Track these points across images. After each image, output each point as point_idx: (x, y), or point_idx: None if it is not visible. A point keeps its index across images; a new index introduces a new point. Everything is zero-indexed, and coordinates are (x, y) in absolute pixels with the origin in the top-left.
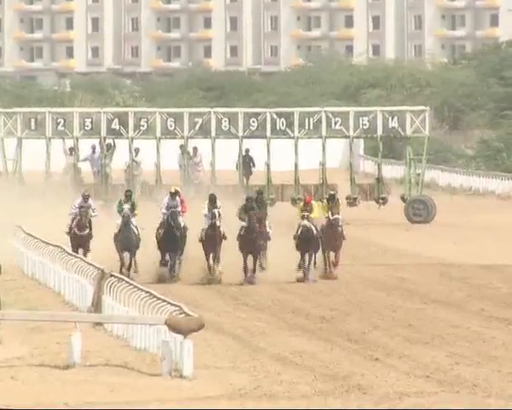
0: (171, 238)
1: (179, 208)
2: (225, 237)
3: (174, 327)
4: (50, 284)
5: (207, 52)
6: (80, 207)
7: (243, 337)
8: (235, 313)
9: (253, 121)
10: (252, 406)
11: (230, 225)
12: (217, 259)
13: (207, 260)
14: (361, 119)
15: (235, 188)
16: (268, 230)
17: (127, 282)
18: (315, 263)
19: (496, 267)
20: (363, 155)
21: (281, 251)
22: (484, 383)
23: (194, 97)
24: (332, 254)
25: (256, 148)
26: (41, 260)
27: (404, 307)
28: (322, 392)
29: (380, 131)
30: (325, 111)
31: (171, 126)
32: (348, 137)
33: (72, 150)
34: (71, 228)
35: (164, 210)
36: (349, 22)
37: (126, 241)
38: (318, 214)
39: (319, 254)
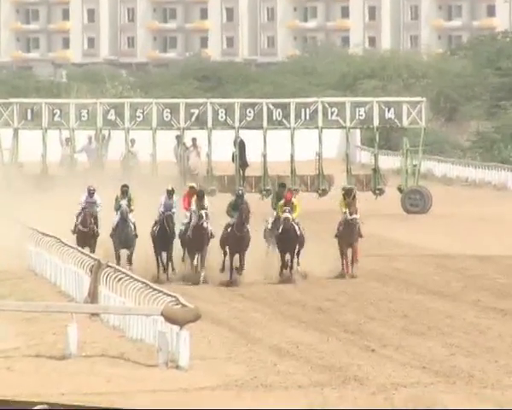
0: (164, 241)
1: (175, 209)
2: (213, 236)
3: (170, 318)
4: (47, 275)
5: (204, 43)
6: (86, 204)
7: (239, 328)
8: (232, 304)
9: (250, 112)
10: (248, 396)
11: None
12: (202, 262)
13: (191, 259)
14: (357, 109)
15: (232, 179)
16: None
17: (123, 272)
18: (298, 263)
19: (492, 258)
20: (359, 145)
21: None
22: (480, 373)
23: (190, 88)
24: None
25: (252, 138)
26: (37, 250)
27: (401, 297)
28: (319, 383)
29: (376, 122)
30: (321, 102)
31: (167, 117)
32: (345, 127)
33: (69, 141)
34: (76, 226)
35: (162, 209)
36: (345, 13)
37: (124, 237)
38: (300, 212)
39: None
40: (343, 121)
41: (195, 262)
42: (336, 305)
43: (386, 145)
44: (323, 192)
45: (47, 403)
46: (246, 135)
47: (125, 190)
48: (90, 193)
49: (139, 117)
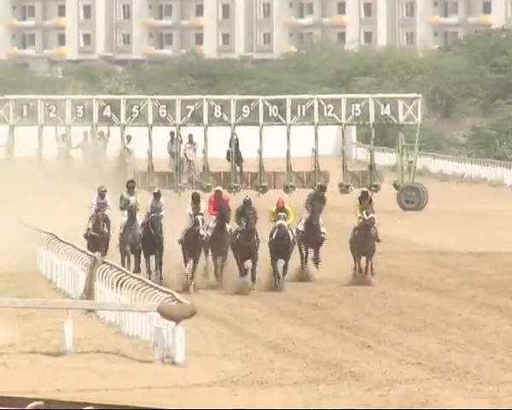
0: (149, 244)
1: (162, 212)
2: (204, 245)
3: (166, 314)
4: (42, 271)
5: (199, 40)
6: (98, 207)
7: (235, 324)
8: (227, 300)
9: (246, 108)
10: (244, 392)
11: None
12: (194, 268)
13: (185, 264)
14: (353, 106)
15: (228, 175)
16: (323, 230)
17: (119, 269)
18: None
19: (488, 254)
20: (355, 142)
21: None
22: (475, 370)
23: (186, 85)
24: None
25: (248, 135)
26: (33, 247)
27: (396, 294)
28: (315, 379)
29: (372, 119)
30: (317, 98)
31: (163, 114)
32: (340, 124)
33: (64, 137)
34: (88, 230)
35: (148, 210)
36: (341, 9)
37: (133, 239)
38: (295, 219)
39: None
40: (339, 118)
41: (189, 267)
42: (332, 301)
43: (381, 141)
44: None
45: (43, 399)
46: (242, 131)
47: (131, 186)
48: (101, 194)
49: (135, 113)
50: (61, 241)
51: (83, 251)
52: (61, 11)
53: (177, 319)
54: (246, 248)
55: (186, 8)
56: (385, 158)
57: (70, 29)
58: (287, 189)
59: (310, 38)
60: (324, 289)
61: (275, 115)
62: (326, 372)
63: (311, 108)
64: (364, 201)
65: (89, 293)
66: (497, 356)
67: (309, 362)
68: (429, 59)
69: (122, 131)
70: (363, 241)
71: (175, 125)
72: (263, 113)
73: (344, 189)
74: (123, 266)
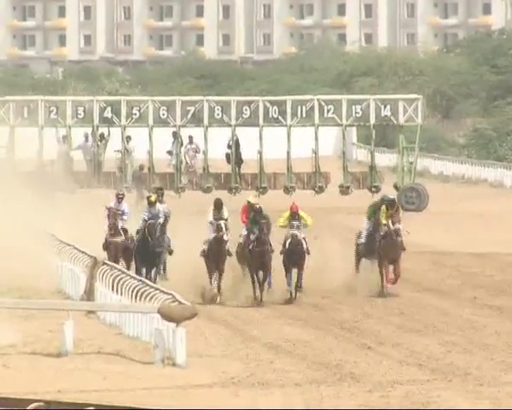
0: (145, 252)
1: (161, 220)
2: (230, 254)
3: (167, 315)
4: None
5: (199, 41)
6: (110, 208)
7: (236, 326)
8: (228, 302)
9: (246, 109)
10: (245, 393)
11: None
12: (219, 281)
13: (210, 277)
14: (354, 107)
15: (228, 176)
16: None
17: (120, 270)
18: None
19: (488, 255)
20: (355, 143)
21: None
22: (476, 371)
23: (186, 86)
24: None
25: (249, 136)
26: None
27: (397, 295)
28: (315, 380)
29: (372, 120)
30: (318, 99)
31: (163, 115)
32: (341, 125)
33: (65, 138)
34: (106, 239)
35: (145, 217)
36: (341, 10)
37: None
38: (311, 223)
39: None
40: (339, 119)
41: (213, 281)
42: (332, 302)
43: (382, 143)
44: (320, 189)
45: (43, 400)
46: (242, 132)
47: (160, 194)
48: (119, 199)
49: (135, 114)
50: (62, 242)
51: (83, 252)
52: (62, 12)
53: (177, 321)
54: (259, 257)
55: (186, 9)
56: (385, 159)
57: (70, 30)
58: (287, 190)
59: (310, 38)
60: (325, 291)
61: (275, 116)
62: (326, 373)
63: (312, 109)
64: (391, 209)
65: (89, 294)
66: (498, 357)
67: (309, 363)
68: (430, 60)
69: (123, 132)
70: (391, 249)
71: (175, 126)
72: (263, 114)
73: (344, 190)
74: (138, 275)
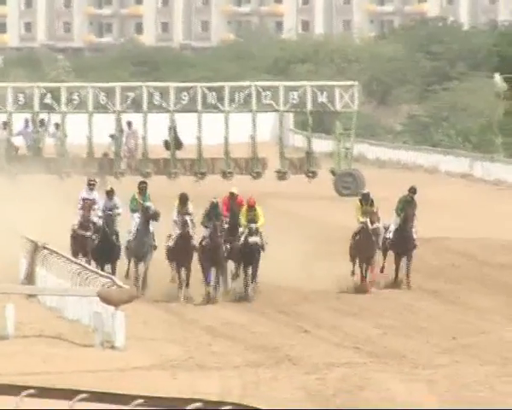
0: (106, 248)
1: (118, 210)
2: (197, 250)
3: (105, 299)
4: None
5: (139, 28)
6: (84, 199)
7: (175, 309)
8: (168, 286)
9: (185, 95)
10: (183, 376)
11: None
12: (187, 278)
13: (178, 273)
14: (291, 93)
15: (167, 162)
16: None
17: (60, 254)
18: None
19: (425, 240)
20: (293, 129)
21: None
22: (411, 353)
23: (126, 73)
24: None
25: (187, 122)
26: None
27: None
28: (253, 363)
29: (309, 106)
30: (255, 85)
31: (103, 101)
32: (278, 111)
33: (6, 125)
34: (74, 230)
35: (100, 213)
36: None
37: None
38: (264, 221)
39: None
40: (276, 105)
41: (183, 276)
42: (271, 286)
43: (319, 128)
44: (257, 175)
45: None
46: (181, 118)
47: (143, 187)
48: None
49: (75, 101)
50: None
51: (24, 237)
52: (2, 0)
53: (116, 304)
54: (212, 254)
55: None
56: (322, 145)
57: (11, 17)
58: (225, 175)
59: (248, 26)
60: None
61: (213, 102)
62: (264, 356)
63: (249, 95)
64: (366, 203)
65: (30, 278)
66: (433, 340)
67: (247, 346)
68: (366, 47)
69: (63, 119)
70: (367, 247)
71: (115, 112)
72: (201, 100)
73: (281, 175)
74: (134, 275)
